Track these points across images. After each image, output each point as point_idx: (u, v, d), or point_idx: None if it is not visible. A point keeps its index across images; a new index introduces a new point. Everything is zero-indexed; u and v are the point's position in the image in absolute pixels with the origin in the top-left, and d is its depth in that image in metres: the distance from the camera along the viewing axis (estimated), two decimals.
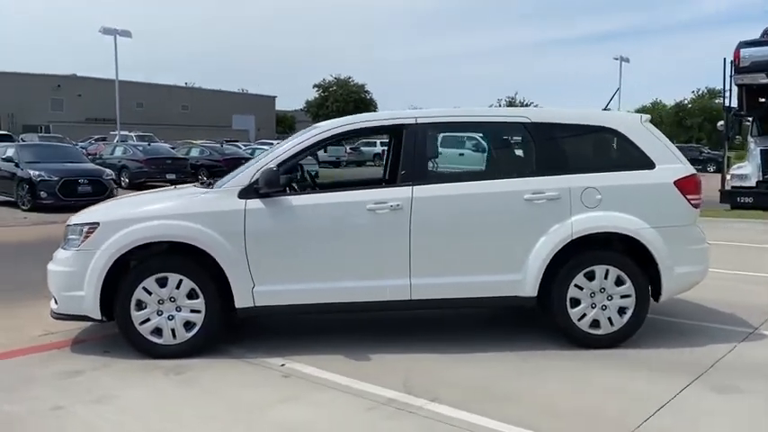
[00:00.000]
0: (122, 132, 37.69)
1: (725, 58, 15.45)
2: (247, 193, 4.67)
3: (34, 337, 5.18)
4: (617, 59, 43.49)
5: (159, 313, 4.65)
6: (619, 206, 4.83)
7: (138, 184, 19.53)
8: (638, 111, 56.82)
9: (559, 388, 4.11)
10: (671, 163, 5.00)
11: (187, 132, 47.67)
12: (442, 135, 5.24)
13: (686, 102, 70.02)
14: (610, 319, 4.86)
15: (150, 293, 4.62)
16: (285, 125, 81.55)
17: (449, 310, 5.60)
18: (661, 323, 5.57)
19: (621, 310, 4.87)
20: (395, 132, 4.99)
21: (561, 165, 4.91)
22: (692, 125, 66.04)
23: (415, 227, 4.69)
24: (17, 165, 14.53)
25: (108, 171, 15.41)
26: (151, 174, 20.96)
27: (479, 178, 5.05)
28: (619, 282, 4.84)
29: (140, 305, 4.63)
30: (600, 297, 4.84)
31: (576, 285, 4.83)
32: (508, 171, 5.11)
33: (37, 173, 13.97)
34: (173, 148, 25.27)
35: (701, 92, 70.78)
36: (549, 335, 5.04)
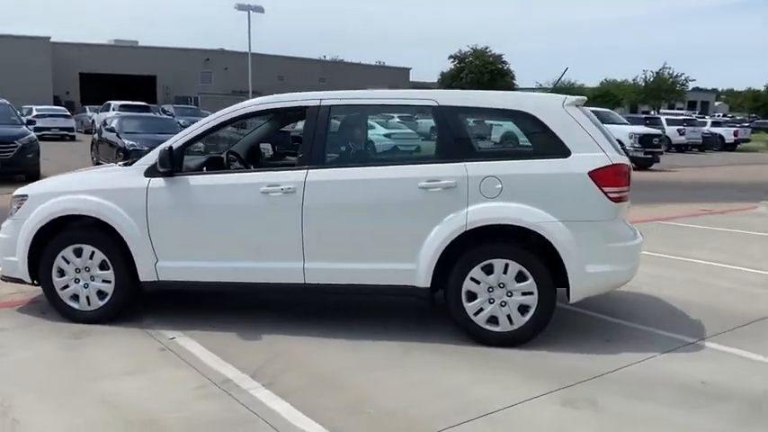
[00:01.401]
0: None
1: None
2: (152, 171, 4.87)
3: (3, 294, 5.77)
4: None
5: (76, 281, 5.01)
6: (522, 197, 4.49)
7: None
8: None
9: (399, 384, 3.96)
10: (590, 151, 4.54)
11: None
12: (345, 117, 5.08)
13: None
14: (509, 316, 4.57)
15: (68, 262, 4.99)
16: None
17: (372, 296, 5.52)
18: (594, 323, 5.17)
19: (523, 308, 4.55)
20: (303, 114, 4.94)
21: (465, 151, 4.62)
22: None
23: (307, 211, 4.66)
24: (118, 135, 15.93)
25: None
26: None
27: (379, 163, 4.89)
28: (520, 277, 4.53)
29: (61, 272, 5.02)
30: (499, 292, 4.56)
31: (472, 278, 4.57)
32: (410, 156, 4.92)
33: (130, 143, 15.23)
34: None
35: None
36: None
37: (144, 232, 4.84)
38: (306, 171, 4.70)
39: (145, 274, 4.89)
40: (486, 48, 65.17)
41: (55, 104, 42.82)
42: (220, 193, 4.82)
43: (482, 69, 63.05)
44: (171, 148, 4.81)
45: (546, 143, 4.60)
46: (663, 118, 36.19)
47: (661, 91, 58.29)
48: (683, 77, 58.78)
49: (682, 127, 34.07)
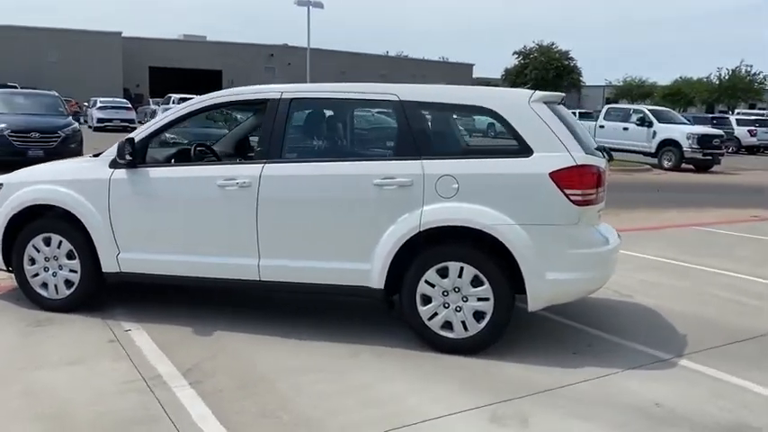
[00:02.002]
0: None
1: None
2: (116, 163, 4.87)
3: None
4: None
5: (46, 269, 5.06)
6: (478, 198, 4.25)
7: None
8: None
9: (331, 390, 3.79)
10: (554, 151, 4.25)
11: None
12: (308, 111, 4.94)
13: None
14: (464, 322, 4.34)
15: (38, 251, 5.05)
16: None
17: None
18: (568, 332, 4.88)
19: (479, 315, 4.31)
20: (263, 107, 4.82)
21: (423, 148, 4.41)
22: None
23: (262, 206, 4.56)
24: None
25: None
26: None
27: (336, 158, 4.73)
28: (476, 282, 4.29)
29: (32, 260, 5.08)
30: (454, 297, 4.33)
31: (427, 281, 4.37)
32: (369, 152, 4.76)
33: (171, 135, 15.53)
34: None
35: None
36: None
37: (106, 223, 4.84)
38: (262, 165, 4.60)
39: (107, 265, 4.90)
40: (553, 44, 63.77)
41: (125, 97, 44.47)
42: (179, 185, 4.77)
43: (547, 66, 61.76)
44: (132, 139, 4.79)
45: (507, 141, 4.34)
46: (733, 118, 34.45)
47: (737, 89, 55.42)
48: (761, 75, 55.76)
49: (753, 128, 32.32)
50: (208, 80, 55.15)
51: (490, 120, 4.51)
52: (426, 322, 4.40)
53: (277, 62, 59.41)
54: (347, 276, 4.50)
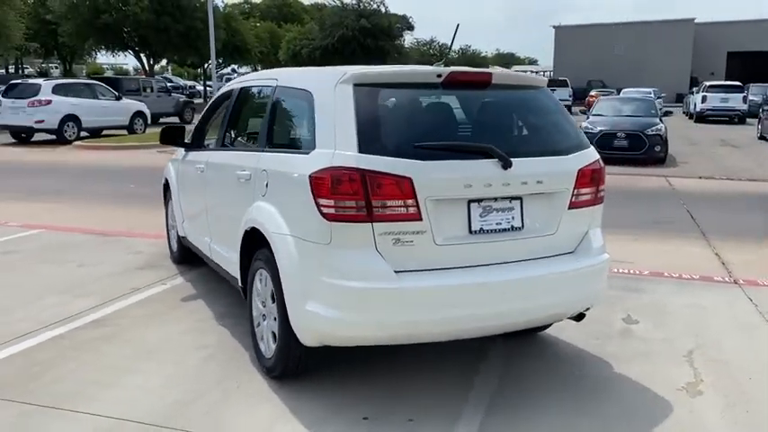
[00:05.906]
0: None
1: None
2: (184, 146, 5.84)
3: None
4: None
5: (173, 227, 6.45)
6: (276, 198, 3.66)
7: None
8: None
9: (99, 365, 4.01)
10: (336, 148, 3.24)
11: None
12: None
13: None
14: (267, 341, 3.79)
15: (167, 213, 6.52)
16: None
17: None
18: (450, 390, 3.53)
19: (275, 336, 3.70)
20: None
21: (269, 138, 4.04)
22: None
23: (207, 190, 4.94)
24: (588, 116, 15.88)
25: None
26: None
27: (237, 148, 4.63)
28: (273, 297, 3.68)
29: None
30: (268, 309, 3.82)
31: (255, 287, 3.97)
32: (250, 141, 4.49)
33: (586, 125, 15.05)
34: None
35: None
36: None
37: (177, 195, 5.91)
38: (211, 152, 4.92)
39: (181, 230, 5.94)
40: None
41: (691, 86, 42.85)
42: (190, 169, 5.44)
43: None
44: (183, 127, 5.69)
45: (306, 132, 3.56)
46: None
47: None
48: None
49: None
50: None
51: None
52: (254, 329, 4.01)
53: None
54: (233, 268, 4.42)
